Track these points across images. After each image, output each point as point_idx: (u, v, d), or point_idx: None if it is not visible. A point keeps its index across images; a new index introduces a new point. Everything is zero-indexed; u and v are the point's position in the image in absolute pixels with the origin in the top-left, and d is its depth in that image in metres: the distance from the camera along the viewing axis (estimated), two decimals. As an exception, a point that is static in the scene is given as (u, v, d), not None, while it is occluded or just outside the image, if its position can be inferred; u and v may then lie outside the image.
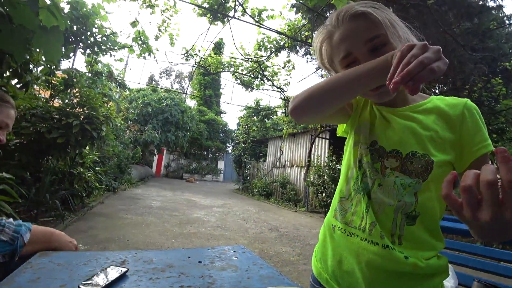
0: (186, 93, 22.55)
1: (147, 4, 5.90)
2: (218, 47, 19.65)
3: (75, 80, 5.02)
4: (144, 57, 7.34)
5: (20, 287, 0.58)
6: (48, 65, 3.68)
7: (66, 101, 4.61)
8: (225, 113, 28.16)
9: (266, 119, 16.74)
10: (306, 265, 3.64)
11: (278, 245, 4.60)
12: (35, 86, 3.78)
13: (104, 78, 7.33)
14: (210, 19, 7.39)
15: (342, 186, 0.74)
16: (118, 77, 11.66)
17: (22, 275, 0.64)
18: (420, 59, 0.45)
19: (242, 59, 10.19)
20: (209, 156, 22.47)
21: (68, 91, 4.78)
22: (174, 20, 6.80)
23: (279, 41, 9.72)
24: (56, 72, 4.39)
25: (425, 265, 0.60)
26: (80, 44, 5.14)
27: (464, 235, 1.51)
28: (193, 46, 8.89)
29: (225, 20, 7.34)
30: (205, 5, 6.77)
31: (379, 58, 0.57)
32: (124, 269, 0.69)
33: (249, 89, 11.36)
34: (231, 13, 7.05)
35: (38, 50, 2.36)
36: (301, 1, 7.68)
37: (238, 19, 6.33)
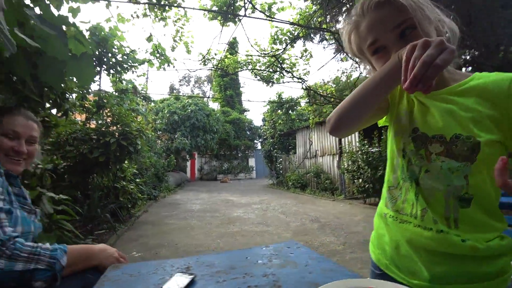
0: (208, 97, 22.95)
1: (159, 17, 6.07)
2: (233, 47, 19.79)
3: (105, 101, 5.32)
4: (164, 68, 7.58)
5: None
6: (80, 91, 3.92)
7: (100, 121, 4.88)
8: (248, 110, 28.34)
9: (290, 111, 16.61)
10: (353, 254, 3.59)
11: (322, 235, 4.58)
12: (72, 112, 4.05)
13: (129, 94, 7.67)
14: (221, 21, 7.45)
15: (389, 176, 0.76)
16: (142, 91, 12.15)
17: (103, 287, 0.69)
18: (422, 59, 0.46)
19: (259, 55, 10.17)
20: (239, 155, 22.77)
21: (101, 112, 5.07)
22: (187, 28, 6.93)
23: (293, 32, 9.57)
24: (87, 96, 4.68)
25: (485, 247, 0.59)
26: (104, 66, 5.42)
27: None
28: (208, 50, 9.00)
29: (236, 19, 7.36)
30: (214, 8, 6.83)
31: (389, 62, 0.60)
32: (192, 275, 0.73)
33: (270, 84, 11.32)
34: (241, 12, 7.07)
35: (72, 78, 2.52)
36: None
37: (249, 16, 6.32)
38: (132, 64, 5.91)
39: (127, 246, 4.04)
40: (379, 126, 0.87)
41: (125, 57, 5.68)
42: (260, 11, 7.40)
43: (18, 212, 0.96)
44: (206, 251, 3.84)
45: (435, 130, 0.65)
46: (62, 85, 2.49)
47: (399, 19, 0.62)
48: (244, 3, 6.39)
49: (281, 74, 10.84)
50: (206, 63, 10.18)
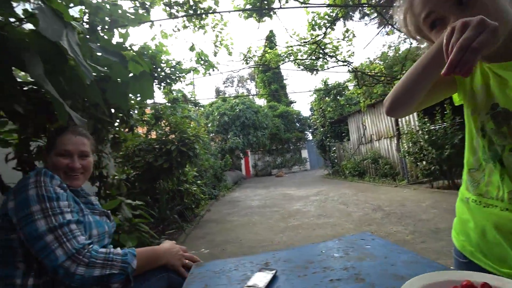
0: (254, 95, 23.26)
1: (198, 26, 6.34)
2: (271, 41, 19.68)
3: (161, 112, 5.77)
4: (209, 73, 7.90)
5: None
6: (140, 107, 4.32)
7: (160, 131, 5.32)
8: (295, 102, 27.96)
9: (338, 97, 15.97)
10: (424, 243, 3.36)
11: (387, 225, 4.37)
12: (136, 127, 4.50)
13: (180, 102, 8.16)
14: (257, 18, 7.48)
15: (469, 157, 0.71)
16: (191, 98, 12.82)
17: (193, 284, 0.78)
18: (459, 44, 0.44)
19: (299, 45, 9.96)
20: (291, 148, 22.68)
21: (159, 122, 5.51)
22: (225, 32, 7.12)
23: (331, 14, 9.16)
24: (145, 110, 5.14)
25: None
26: (155, 80, 5.87)
27: None
28: (249, 49, 9.11)
29: (272, 13, 7.31)
30: (248, 6, 6.88)
31: (435, 43, 0.58)
32: (273, 270, 0.76)
33: (314, 72, 11.03)
34: (275, 5, 7.00)
35: (134, 96, 2.80)
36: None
37: (284, 8, 6.24)
38: (180, 74, 6.30)
39: (196, 244, 4.36)
40: (456, 105, 0.81)
41: (173, 69, 6.08)
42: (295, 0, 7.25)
43: (90, 217, 1.08)
44: (270, 246, 3.95)
45: None
46: (127, 104, 2.78)
47: None
48: (277, -6, 6.30)
49: (325, 60, 10.45)
50: (248, 61, 10.32)
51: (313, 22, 9.25)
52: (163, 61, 5.72)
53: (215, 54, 8.18)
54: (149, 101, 6.13)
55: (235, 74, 37.31)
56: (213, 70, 7.75)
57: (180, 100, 8.27)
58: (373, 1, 8.14)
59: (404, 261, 0.75)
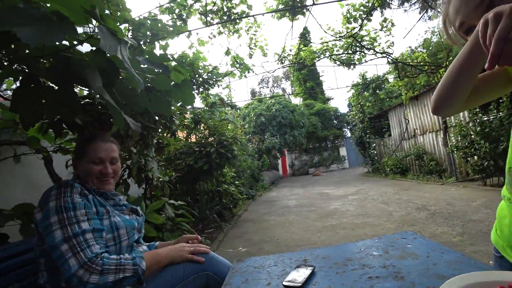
0: (289, 94, 23.12)
1: (232, 31, 6.50)
2: (305, 38, 19.40)
3: (199, 116, 6.02)
4: (245, 76, 8.04)
5: (238, 287, 0.78)
6: (181, 113, 4.56)
7: (199, 134, 5.56)
8: (332, 98, 27.30)
9: (378, 91, 15.29)
10: (474, 246, 3.11)
11: (432, 225, 4.14)
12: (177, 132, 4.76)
13: (218, 106, 8.42)
14: (290, 17, 7.45)
15: (511, 155, 0.70)
16: (228, 101, 13.14)
17: (234, 278, 0.84)
18: (496, 35, 0.42)
19: (334, 40, 9.72)
20: (329, 146, 22.20)
21: (198, 126, 5.76)
22: (259, 33, 7.21)
23: (366, 4, 8.79)
24: (185, 115, 5.40)
25: None
26: (194, 86, 6.13)
27: None
28: (283, 48, 9.11)
29: (305, 10, 7.24)
30: (280, 6, 6.89)
31: (469, 39, 0.57)
32: (312, 267, 0.80)
33: (351, 67, 10.69)
34: (308, 2, 6.92)
35: (175, 103, 2.97)
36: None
37: (317, 4, 6.16)
38: (217, 79, 6.52)
39: (234, 242, 4.48)
40: None
41: (210, 74, 6.31)
42: (327, -6, 7.10)
43: (118, 218, 1.14)
44: (308, 245, 3.94)
45: None
46: (170, 110, 2.96)
47: None
48: (310, -9, 6.24)
49: (362, 53, 10.09)
50: (283, 61, 10.31)
51: (348, 15, 8.97)
52: (200, 68, 5.96)
53: (250, 56, 8.31)
54: (188, 107, 6.44)
55: (269, 74, 37.39)
56: (249, 72, 7.90)
57: (218, 103, 8.54)
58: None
59: (447, 261, 0.74)
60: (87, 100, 1.98)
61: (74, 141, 2.14)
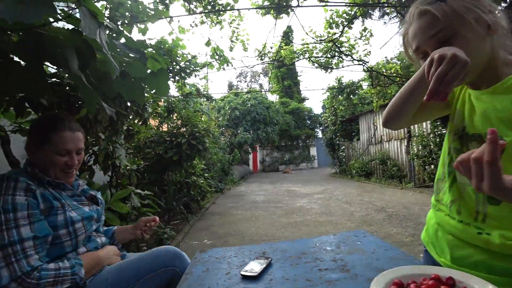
0: (266, 90, 23.24)
1: (215, 22, 6.41)
2: (287, 36, 19.55)
3: (173, 105, 5.90)
4: (223, 68, 7.98)
5: (199, 276, 0.82)
6: (154, 100, 4.45)
7: (171, 124, 5.46)
8: (308, 99, 27.81)
9: (352, 96, 15.84)
10: (422, 246, 3.37)
11: (388, 226, 4.43)
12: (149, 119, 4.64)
13: (193, 96, 8.29)
14: (274, 15, 7.49)
15: (439, 169, 0.83)
16: (204, 92, 12.97)
17: (196, 267, 0.88)
18: (435, 77, 0.54)
19: (315, 43, 9.92)
20: (300, 145, 22.67)
21: (171, 116, 5.65)
22: (242, 27, 7.17)
23: (350, 12, 9.08)
24: (158, 102, 5.27)
25: (501, 243, 0.61)
26: (170, 74, 5.99)
27: None
28: (264, 45, 9.13)
29: (289, 10, 7.32)
30: (266, 3, 6.90)
31: (418, 71, 0.69)
32: (269, 258, 0.86)
33: (329, 70, 10.97)
34: (293, 2, 7.00)
35: (150, 91, 2.91)
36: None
37: (302, 6, 6.25)
38: (194, 68, 6.41)
39: (199, 235, 4.51)
40: None
41: (188, 63, 6.19)
42: (313, -2, 7.23)
43: (73, 212, 1.08)
44: (272, 240, 4.06)
45: (475, 129, 0.70)
46: (143, 98, 2.90)
47: (435, 28, 0.65)
48: (296, -8, 6.30)
49: (340, 58, 10.40)
50: (263, 58, 10.36)
51: (331, 20, 9.19)
52: (178, 55, 5.83)
53: (231, 49, 8.25)
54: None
55: (248, 69, 37.24)
56: (227, 65, 7.85)
57: (193, 93, 8.41)
58: (394, 0, 8.04)
59: (389, 257, 0.84)
60: (54, 79, 1.89)
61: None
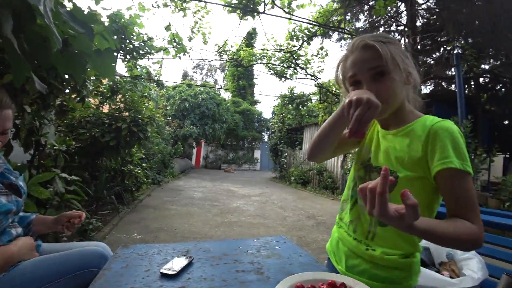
0: (220, 87, 23.04)
1: (179, 8, 6.20)
2: (251, 38, 19.68)
3: (119, 86, 5.52)
4: (179, 57, 7.74)
5: (117, 272, 0.81)
6: (97, 77, 4.12)
7: (114, 106, 5.09)
8: (260, 102, 28.44)
9: (301, 107, 16.63)
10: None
11: (316, 233, 4.75)
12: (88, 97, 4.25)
13: (143, 80, 7.86)
14: (240, 15, 7.53)
15: (345, 192, 0.96)
16: (156, 77, 12.37)
17: (115, 263, 0.86)
18: (353, 118, 0.65)
19: (275, 50, 10.22)
20: (246, 146, 22.97)
21: (114, 97, 5.28)
22: (205, 19, 7.04)
23: (311, 29, 9.57)
24: (102, 80, 4.87)
25: (380, 257, 0.78)
26: (121, 52, 5.60)
27: (496, 227, 1.53)
28: (225, 42, 9.10)
29: (255, 14, 7.43)
30: (234, 1, 6.91)
31: (338, 109, 0.80)
32: (190, 257, 0.89)
33: (283, 79, 11.37)
34: (261, 7, 7.12)
35: (93, 69, 2.69)
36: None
37: (267, 14, 6.40)
38: (149, 51, 6.09)
39: (129, 228, 4.29)
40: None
41: (142, 44, 5.86)
42: (280, 7, 7.45)
43: None
44: (203, 239, 4.06)
45: (377, 163, 0.84)
46: (83, 75, 2.68)
47: (376, 63, 0.75)
48: (265, -2, 6.43)
49: (295, 70, 10.89)
50: (221, 54, 10.30)
51: (293, 33, 9.61)
52: (134, 34, 5.48)
53: (190, 39, 8.04)
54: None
55: (206, 62, 36.54)
56: (184, 55, 7.62)
57: (144, 77, 7.97)
58: (353, 28, 8.70)
59: (301, 262, 0.94)
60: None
61: None
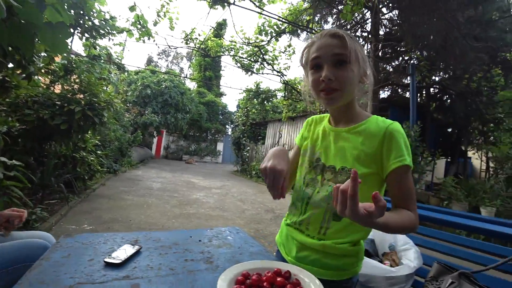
0: (186, 76, 22.38)
1: (144, -12, 5.88)
2: (221, 28, 19.30)
3: (74, 65, 5.12)
4: (143, 41, 7.37)
5: (57, 261, 0.75)
6: (49, 54, 3.78)
7: (67, 87, 4.71)
8: (225, 94, 28.14)
9: (265, 102, 16.81)
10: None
11: (273, 226, 4.86)
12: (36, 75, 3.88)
13: (102, 61, 7.38)
14: (210, 3, 7.35)
15: (293, 194, 0.99)
16: (117, 59, 11.66)
17: (55, 252, 0.80)
18: (268, 188, 0.79)
19: (243, 43, 10.16)
20: (209, 138, 22.68)
21: (68, 77, 4.89)
22: (173, 4, 6.74)
23: (280, 26, 9.65)
24: (54, 57, 4.48)
25: (332, 246, 0.83)
26: (78, 28, 5.18)
27: (435, 222, 1.70)
28: (192, 30, 8.85)
29: (225, 4, 7.30)
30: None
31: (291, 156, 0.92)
32: (138, 246, 0.86)
33: (249, 73, 11.37)
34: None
35: (42, 44, 2.46)
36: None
37: (238, 5, 6.32)
38: (110, 31, 5.71)
39: (79, 218, 4.04)
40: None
41: (103, 23, 5.47)
42: (251, 1, 7.39)
43: None
44: (160, 230, 3.96)
45: (330, 162, 0.87)
46: (31, 49, 2.45)
47: (341, 51, 0.80)
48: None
49: (262, 65, 10.94)
50: (188, 42, 9.99)
51: (262, 27, 9.61)
52: (94, 10, 5.09)
53: (156, 23, 7.69)
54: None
55: (172, 49, 35.24)
56: (149, 39, 7.27)
57: (103, 58, 7.46)
58: (320, 29, 8.91)
59: (251, 252, 0.95)
60: None
61: None
